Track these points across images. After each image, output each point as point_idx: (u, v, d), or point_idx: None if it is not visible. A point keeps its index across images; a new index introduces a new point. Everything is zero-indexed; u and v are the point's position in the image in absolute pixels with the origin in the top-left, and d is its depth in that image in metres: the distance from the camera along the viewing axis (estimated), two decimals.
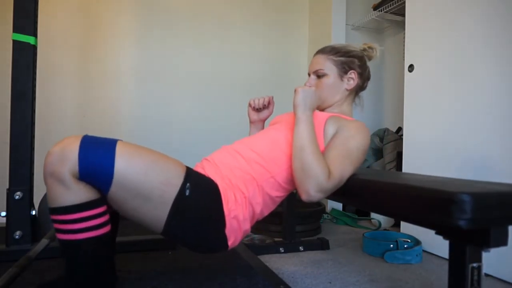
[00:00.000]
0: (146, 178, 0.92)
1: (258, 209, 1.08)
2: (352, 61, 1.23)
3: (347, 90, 1.24)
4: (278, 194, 1.10)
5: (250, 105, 1.36)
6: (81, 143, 0.90)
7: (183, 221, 0.97)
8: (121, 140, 0.95)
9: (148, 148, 0.99)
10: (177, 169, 0.99)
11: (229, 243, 1.05)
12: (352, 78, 1.23)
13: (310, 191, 0.97)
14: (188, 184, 0.98)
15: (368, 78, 1.29)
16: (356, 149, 1.05)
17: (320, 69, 1.22)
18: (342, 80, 1.23)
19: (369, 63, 1.29)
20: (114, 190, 0.90)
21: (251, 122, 1.39)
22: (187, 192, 0.97)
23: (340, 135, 1.07)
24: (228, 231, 1.03)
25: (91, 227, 0.93)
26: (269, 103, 1.35)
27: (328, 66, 1.22)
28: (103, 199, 0.95)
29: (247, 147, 1.11)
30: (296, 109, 1.08)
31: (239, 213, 1.03)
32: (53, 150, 0.90)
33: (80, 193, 0.90)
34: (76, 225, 0.92)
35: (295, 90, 1.09)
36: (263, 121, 1.39)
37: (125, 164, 0.90)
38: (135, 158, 0.93)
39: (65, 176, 0.88)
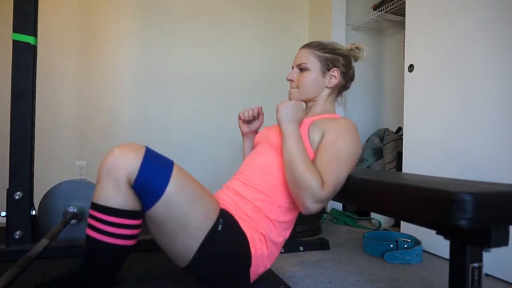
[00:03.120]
0: (190, 206, 0.94)
1: (279, 240, 1.10)
2: (336, 58, 1.21)
3: (328, 87, 1.22)
4: (291, 216, 1.12)
5: (240, 117, 1.36)
6: (145, 154, 0.92)
7: (212, 254, 0.98)
8: (176, 163, 0.98)
9: (195, 178, 1.01)
10: (215, 204, 1.01)
11: (251, 280, 1.06)
12: (334, 76, 1.21)
13: (307, 203, 0.97)
14: (221, 220, 0.99)
15: (352, 79, 1.28)
16: (345, 149, 1.03)
17: (303, 63, 1.21)
18: (324, 76, 1.21)
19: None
20: (157, 209, 0.92)
21: (243, 134, 1.39)
22: (220, 227, 0.98)
23: (326, 139, 1.05)
24: (252, 269, 1.04)
25: (123, 236, 0.95)
26: (258, 114, 1.35)
27: (312, 60, 1.21)
28: (143, 213, 0.96)
29: (246, 186, 1.12)
30: (280, 125, 1.08)
31: (264, 251, 1.05)
32: (116, 151, 0.92)
33: (128, 199, 0.92)
34: (111, 228, 0.93)
35: (276, 108, 1.09)
36: (255, 132, 1.39)
37: (176, 188, 0.92)
38: (185, 185, 0.95)
39: (121, 179, 0.90)
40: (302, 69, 1.22)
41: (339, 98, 1.30)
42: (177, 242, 0.96)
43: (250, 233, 1.03)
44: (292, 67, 1.26)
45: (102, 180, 0.93)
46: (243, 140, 1.41)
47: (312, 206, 0.97)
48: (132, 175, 0.90)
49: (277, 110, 1.09)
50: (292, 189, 1.02)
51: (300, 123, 1.10)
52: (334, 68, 1.21)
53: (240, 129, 1.39)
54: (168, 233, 0.95)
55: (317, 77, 1.21)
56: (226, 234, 0.99)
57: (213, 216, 0.98)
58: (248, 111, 1.34)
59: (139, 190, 0.92)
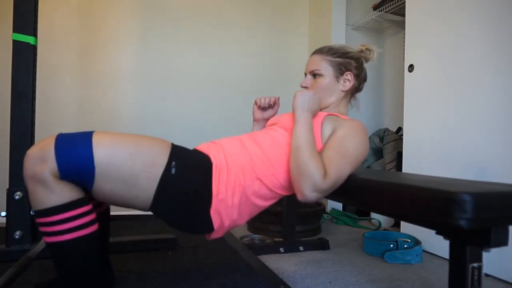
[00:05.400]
0: (130, 164, 0.91)
1: (254, 199, 1.06)
2: (348, 62, 1.22)
3: (342, 91, 1.23)
4: (279, 191, 1.09)
5: (256, 103, 1.37)
6: (56, 141, 0.89)
7: (169, 199, 0.97)
8: (97, 131, 0.94)
9: (126, 134, 0.98)
10: (161, 149, 0.98)
11: (215, 225, 1.03)
12: (348, 80, 1.22)
13: (305, 190, 0.96)
14: (174, 163, 0.97)
15: (364, 80, 1.29)
16: (353, 148, 1.04)
17: (316, 69, 1.22)
18: (338, 81, 1.22)
19: (366, 64, 1.29)
20: (98, 183, 0.90)
21: (254, 119, 1.39)
22: (173, 171, 0.96)
23: (337, 134, 1.06)
24: (213, 212, 1.01)
25: (77, 227, 0.92)
26: (274, 103, 1.36)
27: (324, 66, 1.21)
28: (87, 197, 0.94)
29: (253, 142, 1.11)
30: (295, 111, 1.09)
31: (228, 197, 1.02)
32: (31, 152, 0.89)
33: (63, 193, 0.90)
34: (61, 226, 0.91)
35: (294, 95, 1.10)
36: (267, 120, 1.39)
37: (105, 155, 0.89)
38: (114, 146, 0.92)
39: (45, 177, 0.87)
40: (315, 75, 1.23)
41: (352, 101, 1.30)
42: (133, 199, 0.94)
43: (218, 171, 1.02)
44: (305, 74, 1.27)
45: (30, 186, 0.90)
46: (253, 124, 1.41)
47: (310, 195, 0.96)
48: (53, 168, 0.87)
49: (294, 97, 1.10)
50: (293, 174, 1.01)
51: (314, 114, 1.11)
52: (347, 72, 1.22)
53: (253, 115, 1.39)
54: (121, 196, 0.93)
55: (331, 82, 1.22)
56: (182, 175, 0.97)
57: (162, 162, 0.96)
58: (265, 99, 1.35)
59: (69, 178, 0.89)
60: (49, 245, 0.93)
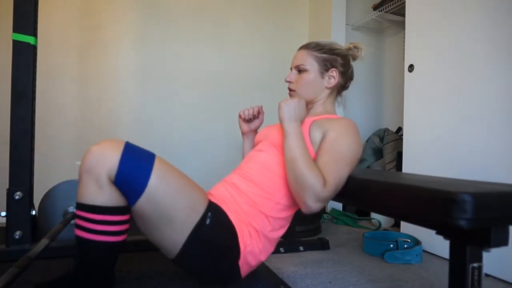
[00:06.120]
0: (175, 199, 0.93)
1: (273, 235, 1.09)
2: (334, 59, 1.21)
3: (327, 88, 1.22)
4: (287, 214, 1.11)
5: (240, 116, 1.36)
6: (124, 150, 0.91)
7: (199, 247, 0.97)
8: (158, 156, 0.97)
9: (179, 170, 1.00)
10: (202, 197, 1.00)
11: (242, 272, 1.05)
12: (332, 76, 1.21)
13: (308, 202, 0.97)
14: (209, 214, 0.99)
15: (351, 78, 1.27)
16: (347, 149, 1.03)
17: (301, 64, 1.21)
18: (322, 77, 1.21)
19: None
20: (141, 203, 0.91)
21: (242, 133, 1.39)
22: (208, 221, 0.97)
23: (328, 138, 1.05)
24: (241, 262, 1.03)
25: (110, 232, 0.94)
26: (258, 112, 1.35)
27: (310, 61, 1.20)
28: (129, 208, 0.95)
29: (244, 179, 1.11)
30: (282, 123, 1.07)
31: (255, 247, 1.04)
32: (95, 149, 0.92)
33: (111, 196, 0.92)
34: (98, 226, 0.93)
35: (278, 105, 1.09)
36: (254, 131, 1.39)
37: (158, 182, 0.91)
38: (168, 177, 0.94)
39: (101, 177, 0.90)
40: (300, 70, 1.22)
41: (338, 98, 1.29)
42: (164, 236, 0.95)
43: (240, 227, 1.03)
44: (291, 69, 1.26)
45: (83, 179, 0.92)
46: (243, 139, 1.41)
47: (314, 205, 0.97)
48: (112, 171, 0.89)
49: (279, 107, 1.08)
50: (293, 188, 1.01)
51: (302, 122, 1.10)
52: (333, 69, 1.20)
53: (240, 128, 1.39)
54: (154, 227, 0.95)
55: (316, 78, 1.20)
56: (214, 228, 0.98)
57: (200, 210, 0.97)
58: (248, 110, 1.34)
59: (120, 186, 0.91)
60: (78, 238, 0.95)
